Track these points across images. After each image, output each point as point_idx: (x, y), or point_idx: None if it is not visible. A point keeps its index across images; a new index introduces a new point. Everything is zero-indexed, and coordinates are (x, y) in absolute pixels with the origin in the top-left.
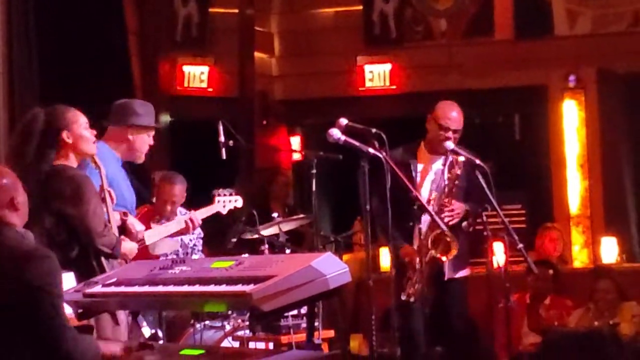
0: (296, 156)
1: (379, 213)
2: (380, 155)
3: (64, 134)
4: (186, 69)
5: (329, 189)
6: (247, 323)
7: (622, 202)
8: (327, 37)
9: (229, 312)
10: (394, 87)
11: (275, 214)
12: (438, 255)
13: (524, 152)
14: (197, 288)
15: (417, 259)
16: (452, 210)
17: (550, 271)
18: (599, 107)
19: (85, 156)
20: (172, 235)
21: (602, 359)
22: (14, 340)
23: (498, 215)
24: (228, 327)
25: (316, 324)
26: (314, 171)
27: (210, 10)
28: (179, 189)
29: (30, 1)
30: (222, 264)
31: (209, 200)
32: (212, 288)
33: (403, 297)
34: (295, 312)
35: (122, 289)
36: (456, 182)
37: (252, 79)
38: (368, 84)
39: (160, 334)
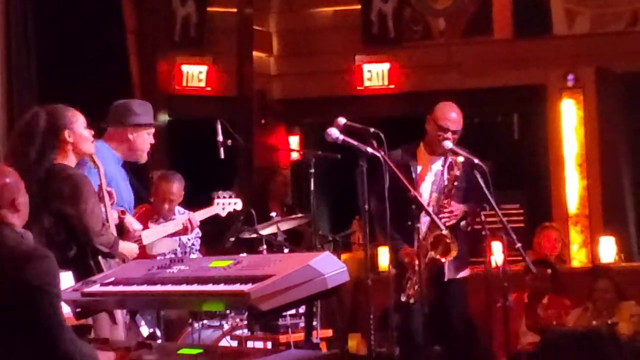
0: (294, 155)
1: (378, 213)
2: (379, 155)
3: (66, 133)
4: (185, 68)
5: (328, 189)
6: (246, 322)
7: (620, 201)
8: (325, 36)
9: (227, 312)
10: (392, 86)
11: (273, 214)
12: (437, 257)
13: (522, 152)
14: (195, 287)
15: (417, 260)
16: (451, 212)
17: (549, 270)
18: (598, 106)
19: (84, 155)
20: (169, 236)
21: (600, 359)
22: (14, 341)
23: (496, 214)
24: (226, 327)
25: (314, 323)
26: (313, 170)
27: (209, 9)
28: (177, 187)
29: (28, 1)
30: (220, 263)
31: (208, 200)
32: (210, 287)
33: (403, 299)
34: (293, 311)
35: (121, 288)
36: (455, 183)
37: (251, 79)
38: (367, 83)
39: (158, 333)
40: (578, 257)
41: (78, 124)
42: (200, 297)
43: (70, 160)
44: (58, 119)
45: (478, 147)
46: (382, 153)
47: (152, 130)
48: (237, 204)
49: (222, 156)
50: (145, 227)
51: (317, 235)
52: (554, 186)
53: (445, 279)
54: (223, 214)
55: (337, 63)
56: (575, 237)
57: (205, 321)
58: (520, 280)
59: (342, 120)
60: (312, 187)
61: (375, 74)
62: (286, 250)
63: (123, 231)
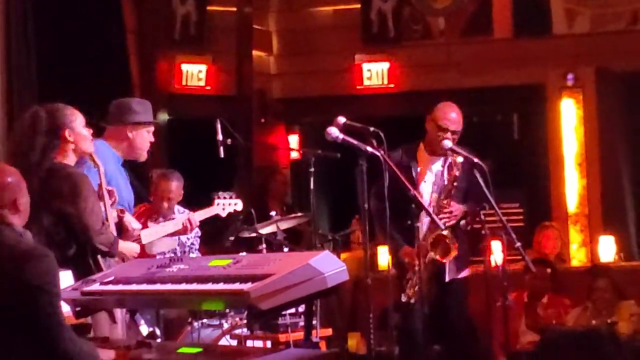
0: (294, 154)
1: (378, 212)
2: (379, 154)
3: (66, 133)
4: (184, 67)
5: (327, 188)
6: (245, 321)
7: (620, 200)
8: (325, 35)
9: (227, 311)
10: (392, 85)
11: (273, 213)
12: (437, 257)
13: (522, 151)
14: (195, 286)
15: (417, 260)
16: (450, 212)
17: (548, 270)
18: (597, 106)
19: (84, 154)
20: (169, 235)
21: (600, 358)
22: (14, 340)
23: (496, 213)
24: (226, 326)
25: (314, 322)
26: (312, 169)
27: (209, 8)
28: (175, 185)
29: (29, 1)
30: (219, 262)
31: (208, 200)
32: (209, 286)
33: (403, 299)
34: (293, 310)
35: (120, 287)
36: (454, 183)
37: (250, 78)
38: (366, 82)
39: (158, 332)
40: (578, 257)
41: (77, 122)
42: (199, 296)
43: (70, 159)
44: (58, 118)
45: (478, 146)
46: (382, 152)
47: (152, 128)
48: (237, 205)
49: (222, 155)
50: (145, 226)
51: (316, 235)
52: (553, 185)
53: (447, 280)
54: (223, 214)
55: (336, 62)
56: (575, 237)
57: (204, 320)
58: (519, 280)
59: (341, 120)
60: (311, 186)
61: (374, 73)
62: (286, 250)
63: (122, 230)
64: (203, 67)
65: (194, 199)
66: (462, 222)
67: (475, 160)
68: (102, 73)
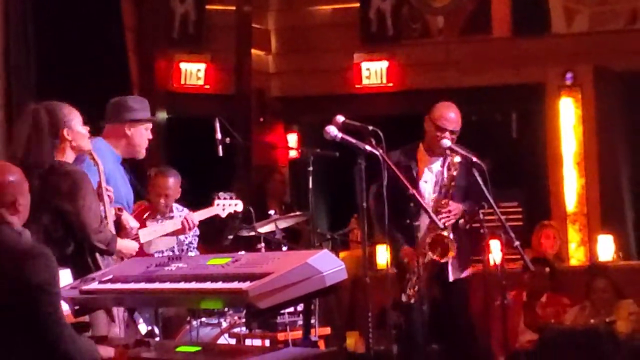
0: (293, 153)
1: (378, 212)
2: (377, 153)
3: (64, 131)
4: (183, 66)
5: (326, 187)
6: (244, 320)
7: (618, 199)
8: (324, 34)
9: (226, 309)
10: (390, 84)
11: (271, 211)
12: (435, 257)
13: (521, 150)
14: (194, 285)
15: (417, 260)
16: (449, 211)
17: (547, 269)
18: (596, 105)
19: (81, 152)
20: (167, 235)
21: (598, 357)
22: (14, 340)
23: (495, 212)
24: (224, 324)
25: (313, 321)
26: (311, 168)
27: (207, 7)
28: (172, 181)
29: (28, 0)
30: (218, 261)
31: (207, 199)
32: (208, 285)
33: (404, 299)
34: (291, 309)
35: (119, 285)
36: (452, 183)
37: (249, 76)
38: (365, 81)
39: (156, 330)
40: (576, 256)
41: (75, 121)
42: (198, 294)
43: (68, 157)
44: (56, 116)
45: (476, 145)
46: (381, 151)
47: (150, 125)
48: (237, 205)
49: (221, 154)
50: (143, 225)
51: (315, 233)
52: (552, 184)
53: (452, 279)
54: (223, 214)
55: (335, 61)
56: (574, 236)
57: (203, 319)
58: (518, 279)
59: (340, 118)
60: (310, 185)
61: (373, 72)
62: (284, 248)
63: (120, 228)
64: (202, 66)
65: (193, 198)
66: (461, 221)
67: (474, 159)
68: (101, 72)
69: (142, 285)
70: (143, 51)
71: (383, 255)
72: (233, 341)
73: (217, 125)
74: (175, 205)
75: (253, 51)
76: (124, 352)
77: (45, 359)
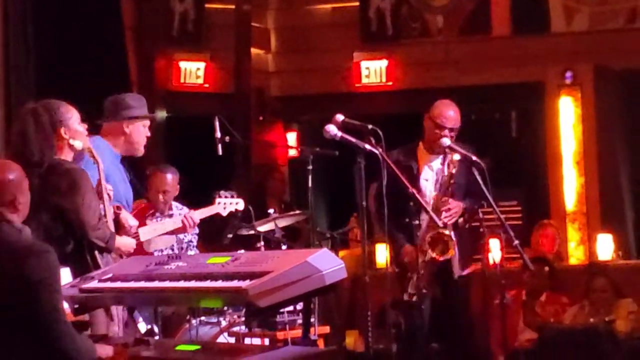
0: (292, 152)
1: (378, 212)
2: (377, 152)
3: (62, 130)
4: (182, 64)
5: (325, 185)
6: (243, 319)
7: (618, 199)
8: (323, 33)
9: (225, 308)
10: (390, 83)
11: (271, 210)
12: (435, 256)
13: (520, 149)
14: (193, 284)
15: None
16: (449, 209)
17: (546, 268)
18: (596, 104)
19: (79, 150)
20: (167, 233)
21: (597, 356)
22: (14, 340)
23: (494, 211)
24: (224, 323)
25: (312, 320)
26: (310, 167)
27: (207, 6)
28: (171, 177)
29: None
30: (218, 260)
31: (206, 197)
32: (208, 284)
33: (405, 298)
34: (291, 308)
35: (118, 284)
36: (452, 181)
37: (249, 75)
38: (364, 80)
39: (156, 329)
40: (576, 255)
41: (73, 119)
42: (198, 293)
43: (67, 155)
44: (53, 115)
45: (475, 144)
46: (380, 150)
47: (148, 122)
48: (238, 204)
49: (220, 153)
50: (143, 224)
51: (314, 232)
52: (551, 183)
53: (457, 277)
54: (224, 213)
55: (335, 60)
56: (573, 235)
57: (202, 318)
58: (518, 278)
59: (340, 117)
60: (309, 184)
61: (373, 71)
62: (284, 247)
63: (118, 227)
64: (201, 65)
65: (193, 197)
66: (460, 219)
67: (474, 158)
68: (100, 71)
69: (142, 284)
70: (142, 50)
71: (382, 254)
72: (232, 340)
73: (217, 124)
74: (174, 204)
75: (252, 50)
76: (123, 351)
77: (45, 358)
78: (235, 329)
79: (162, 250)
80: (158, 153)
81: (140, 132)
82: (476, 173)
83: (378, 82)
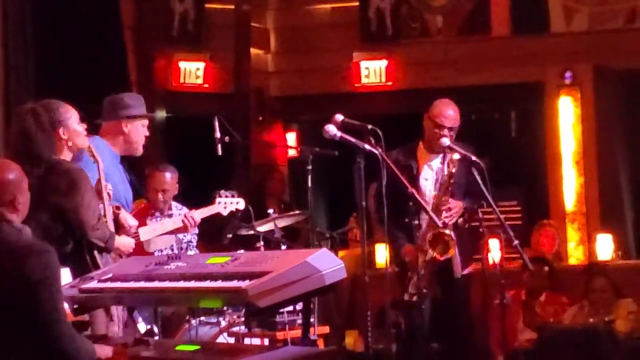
0: (292, 152)
1: (376, 210)
2: (376, 152)
3: (60, 130)
4: (182, 64)
5: (325, 185)
6: (243, 319)
7: (617, 199)
8: (323, 33)
9: (225, 308)
10: (389, 83)
11: (270, 210)
12: (435, 255)
13: (519, 149)
14: (193, 284)
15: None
16: (450, 209)
17: (546, 268)
18: (595, 104)
19: (78, 150)
20: (168, 233)
21: (597, 356)
22: (14, 340)
23: (494, 211)
24: (223, 323)
25: (312, 320)
26: (310, 167)
27: (207, 6)
28: (170, 176)
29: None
30: (217, 260)
31: (206, 197)
32: (207, 284)
33: (406, 297)
34: (290, 308)
35: (118, 284)
36: (452, 180)
37: (248, 75)
38: (364, 80)
39: (155, 329)
40: (575, 255)
41: (72, 119)
42: (197, 293)
43: (66, 155)
44: (53, 115)
45: (475, 144)
46: (380, 150)
47: (146, 121)
48: (239, 204)
49: (220, 153)
50: (142, 223)
51: (314, 232)
52: (551, 183)
53: (459, 276)
54: (225, 212)
55: (334, 60)
56: (573, 235)
57: (202, 318)
58: (517, 278)
59: (339, 117)
60: (309, 184)
61: (372, 71)
62: (283, 247)
63: (118, 226)
64: (201, 65)
65: (192, 197)
66: (460, 219)
67: (473, 158)
68: (100, 71)
69: (142, 284)
70: (142, 50)
71: (382, 254)
72: (232, 340)
73: (216, 124)
74: (174, 204)
75: (252, 50)
76: (123, 351)
77: (44, 358)
78: (235, 329)
79: (161, 250)
80: (158, 153)
81: (139, 132)
82: (476, 173)
83: (378, 82)
